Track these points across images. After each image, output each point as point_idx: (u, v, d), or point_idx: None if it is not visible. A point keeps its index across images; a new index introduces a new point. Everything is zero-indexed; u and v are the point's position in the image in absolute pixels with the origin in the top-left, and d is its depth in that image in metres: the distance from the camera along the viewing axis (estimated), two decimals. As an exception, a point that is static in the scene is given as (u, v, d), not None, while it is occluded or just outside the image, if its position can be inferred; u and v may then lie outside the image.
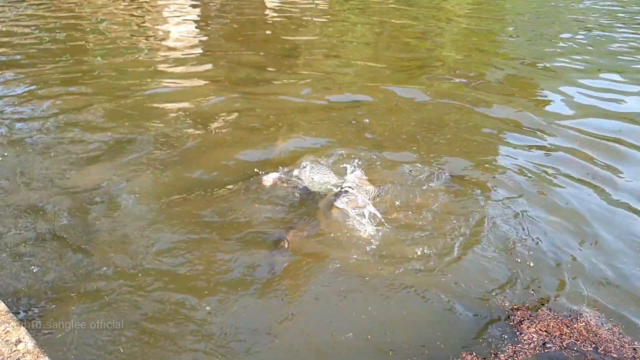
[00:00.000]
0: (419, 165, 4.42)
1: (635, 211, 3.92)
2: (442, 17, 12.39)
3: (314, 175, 3.76)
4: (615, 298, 2.98)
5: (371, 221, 3.41)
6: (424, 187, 4.05)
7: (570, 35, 10.63)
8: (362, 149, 4.71)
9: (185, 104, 5.72)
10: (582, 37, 10.45)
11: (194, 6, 12.24)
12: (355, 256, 3.24)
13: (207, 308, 2.76)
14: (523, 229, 3.61)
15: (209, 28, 10.15)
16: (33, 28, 8.92)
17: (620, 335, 2.68)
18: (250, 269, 3.07)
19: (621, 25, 11.78)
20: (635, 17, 12.86)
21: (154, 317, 2.69)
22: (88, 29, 9.12)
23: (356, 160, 4.14)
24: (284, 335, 2.64)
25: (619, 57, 8.89)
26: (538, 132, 5.43)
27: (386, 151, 4.72)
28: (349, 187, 3.52)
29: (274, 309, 2.80)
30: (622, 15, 13.27)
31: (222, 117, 5.38)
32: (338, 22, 11.34)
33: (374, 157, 4.55)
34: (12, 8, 10.62)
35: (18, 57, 7.20)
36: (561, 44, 9.75)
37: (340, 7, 13.15)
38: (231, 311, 2.76)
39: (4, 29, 8.79)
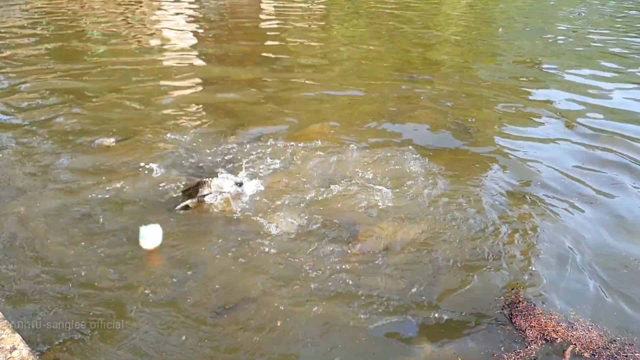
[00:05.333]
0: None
1: None
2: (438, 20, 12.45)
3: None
4: (614, 304, 2.97)
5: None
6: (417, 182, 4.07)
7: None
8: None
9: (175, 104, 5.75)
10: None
11: (190, 11, 12.22)
12: (341, 254, 3.22)
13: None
14: (523, 229, 3.61)
15: (205, 29, 10.14)
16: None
17: (618, 343, 2.66)
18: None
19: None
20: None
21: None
22: (83, 29, 9.10)
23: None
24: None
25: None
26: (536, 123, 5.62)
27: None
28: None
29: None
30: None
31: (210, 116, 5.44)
32: (334, 25, 11.36)
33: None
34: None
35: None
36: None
37: (339, 12, 13.17)
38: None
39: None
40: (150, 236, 3.12)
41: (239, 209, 3.62)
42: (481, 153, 4.87)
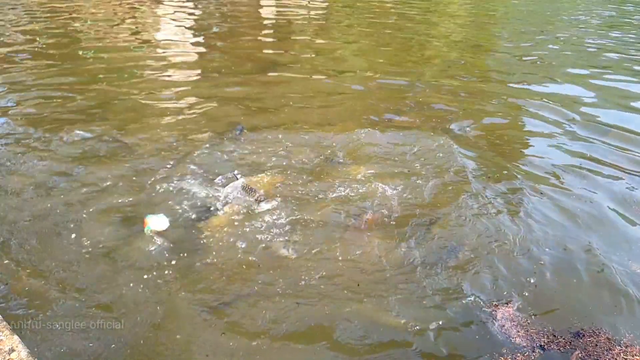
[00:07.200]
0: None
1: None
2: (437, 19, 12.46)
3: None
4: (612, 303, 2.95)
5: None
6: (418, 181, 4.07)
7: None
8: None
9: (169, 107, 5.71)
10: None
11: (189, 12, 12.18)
12: (345, 255, 3.21)
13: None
14: (529, 227, 3.59)
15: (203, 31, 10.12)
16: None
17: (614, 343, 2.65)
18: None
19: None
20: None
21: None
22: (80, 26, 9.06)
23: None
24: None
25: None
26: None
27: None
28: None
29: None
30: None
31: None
32: (334, 22, 11.35)
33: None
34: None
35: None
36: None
37: (339, 10, 13.17)
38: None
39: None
40: (157, 221, 3.32)
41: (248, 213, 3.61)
42: (488, 150, 4.88)
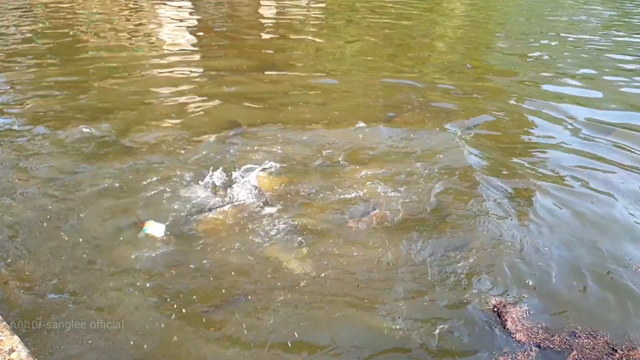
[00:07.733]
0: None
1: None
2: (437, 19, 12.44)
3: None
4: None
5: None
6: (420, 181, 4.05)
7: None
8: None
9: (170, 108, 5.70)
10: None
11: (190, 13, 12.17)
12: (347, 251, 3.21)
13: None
14: (529, 226, 3.59)
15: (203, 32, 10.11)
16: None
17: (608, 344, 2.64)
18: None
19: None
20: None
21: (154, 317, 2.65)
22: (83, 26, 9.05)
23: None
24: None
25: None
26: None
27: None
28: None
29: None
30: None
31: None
32: (333, 22, 11.33)
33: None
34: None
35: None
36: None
37: (338, 11, 13.14)
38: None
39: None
40: (155, 227, 3.30)
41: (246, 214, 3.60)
42: (490, 149, 4.89)
